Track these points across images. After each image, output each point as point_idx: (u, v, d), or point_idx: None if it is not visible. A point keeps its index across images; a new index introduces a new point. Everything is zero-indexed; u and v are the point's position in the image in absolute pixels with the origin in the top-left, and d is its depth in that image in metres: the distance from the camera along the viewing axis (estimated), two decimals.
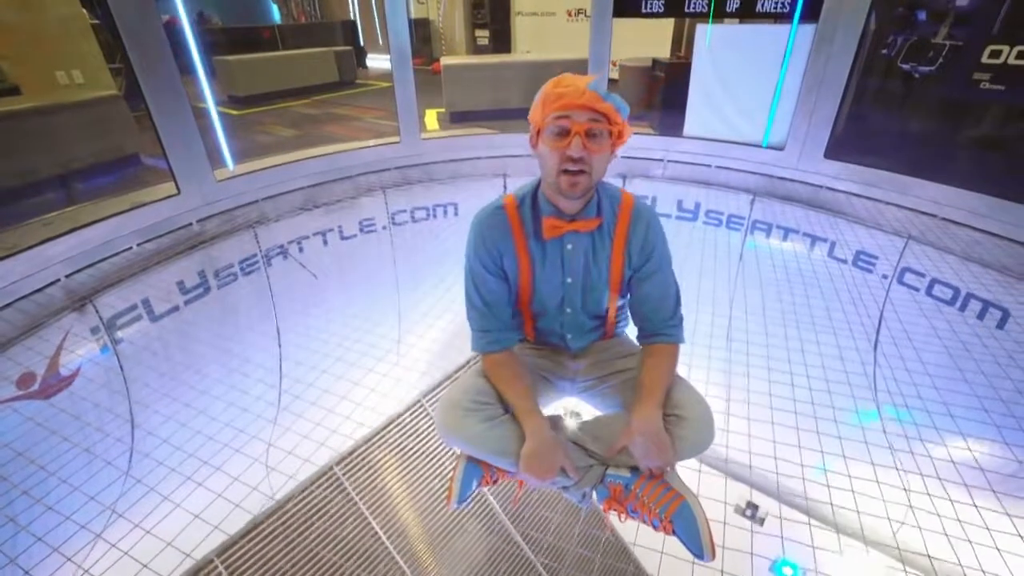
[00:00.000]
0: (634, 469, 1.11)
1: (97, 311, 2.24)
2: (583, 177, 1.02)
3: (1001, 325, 2.26)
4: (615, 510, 1.11)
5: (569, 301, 1.21)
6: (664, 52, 6.18)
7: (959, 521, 2.05)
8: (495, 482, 1.19)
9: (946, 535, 2.01)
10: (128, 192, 2.68)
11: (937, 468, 2.28)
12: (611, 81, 3.28)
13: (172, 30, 2.36)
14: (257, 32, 9.61)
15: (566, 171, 1.01)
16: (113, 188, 3.85)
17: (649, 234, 1.15)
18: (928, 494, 2.17)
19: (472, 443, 1.11)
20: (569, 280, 1.17)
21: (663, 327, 1.20)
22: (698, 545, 0.99)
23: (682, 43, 5.98)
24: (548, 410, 1.32)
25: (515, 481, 1.20)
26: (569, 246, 1.14)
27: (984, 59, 2.47)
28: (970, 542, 1.97)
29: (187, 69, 2.53)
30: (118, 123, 4.01)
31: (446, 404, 1.14)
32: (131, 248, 2.43)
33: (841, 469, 2.39)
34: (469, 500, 1.17)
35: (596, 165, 1.03)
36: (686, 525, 1.01)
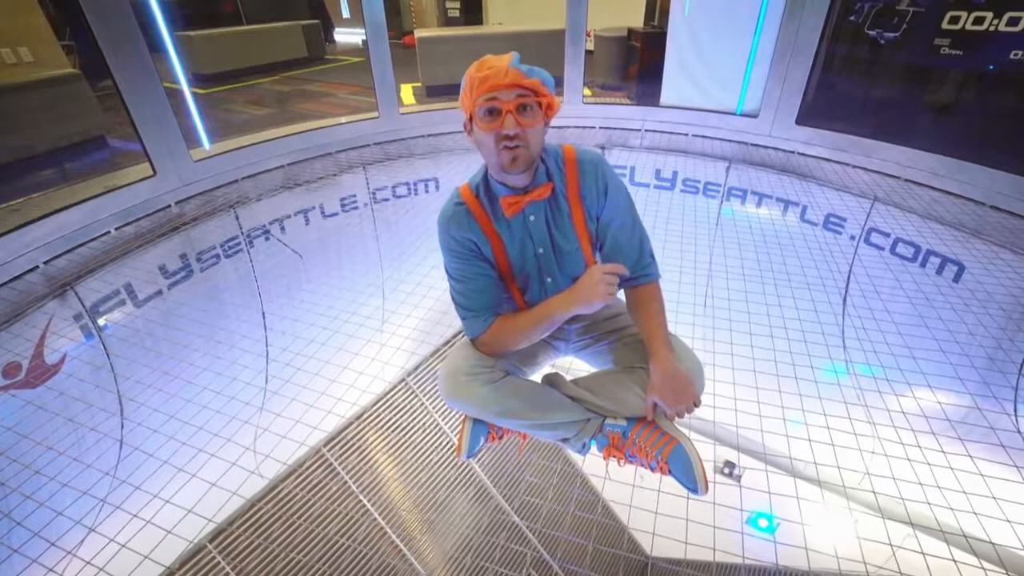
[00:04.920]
0: (630, 418, 1.19)
1: (79, 297, 2.20)
2: (521, 151, 1.05)
3: (957, 278, 2.41)
4: (614, 456, 1.19)
5: (547, 270, 1.23)
6: (637, 22, 6.16)
7: (929, 465, 2.20)
8: (501, 438, 1.26)
9: (919, 482, 2.17)
10: (99, 175, 2.60)
11: (907, 418, 2.44)
12: (587, 52, 3.29)
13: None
14: (217, 5, 9.14)
15: (505, 147, 1.04)
16: (81, 172, 3.70)
17: (600, 173, 1.17)
18: (902, 443, 2.32)
19: (477, 407, 1.16)
20: (540, 250, 1.20)
21: (641, 268, 1.23)
22: (692, 481, 1.08)
23: (655, 12, 5.96)
24: (545, 368, 1.39)
25: (519, 435, 1.27)
26: (532, 218, 1.17)
27: (944, 25, 2.56)
28: (939, 488, 2.12)
29: (152, 47, 2.44)
30: (80, 103, 3.83)
31: (449, 371, 1.18)
32: (109, 232, 2.38)
33: (820, 423, 2.53)
34: (477, 452, 1.24)
35: (532, 139, 1.06)
36: (681, 464, 1.09)
